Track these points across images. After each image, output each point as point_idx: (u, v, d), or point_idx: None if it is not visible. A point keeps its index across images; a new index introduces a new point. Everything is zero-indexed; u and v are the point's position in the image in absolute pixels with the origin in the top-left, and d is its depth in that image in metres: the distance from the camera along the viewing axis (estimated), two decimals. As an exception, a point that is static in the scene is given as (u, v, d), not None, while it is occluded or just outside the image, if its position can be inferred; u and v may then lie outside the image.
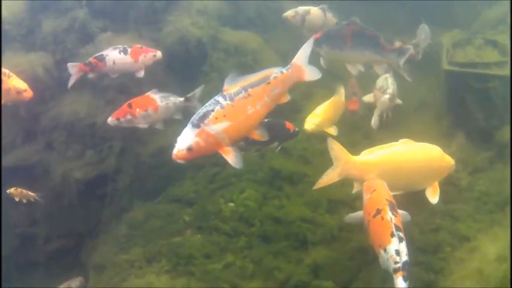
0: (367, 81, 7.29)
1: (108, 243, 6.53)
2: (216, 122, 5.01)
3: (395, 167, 5.80)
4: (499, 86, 6.86)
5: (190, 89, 6.53)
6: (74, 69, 6.39)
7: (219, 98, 5.07)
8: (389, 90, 7.02)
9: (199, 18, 7.50)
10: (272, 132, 5.77)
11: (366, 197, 5.39)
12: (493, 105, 6.93)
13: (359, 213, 5.51)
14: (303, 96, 7.21)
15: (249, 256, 6.06)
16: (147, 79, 6.83)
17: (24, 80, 6.19)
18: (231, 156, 5.09)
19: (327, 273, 5.84)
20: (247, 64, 6.68)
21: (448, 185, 6.24)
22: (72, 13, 7.36)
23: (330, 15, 7.67)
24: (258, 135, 5.36)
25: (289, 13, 7.51)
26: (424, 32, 7.97)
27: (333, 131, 6.63)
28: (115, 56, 6.49)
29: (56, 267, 7.06)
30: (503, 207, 6.23)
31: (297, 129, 6.14)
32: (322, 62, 6.87)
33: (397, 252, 4.76)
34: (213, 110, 5.01)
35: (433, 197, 5.91)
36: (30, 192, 6.76)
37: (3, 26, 7.35)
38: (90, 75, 6.49)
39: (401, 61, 6.88)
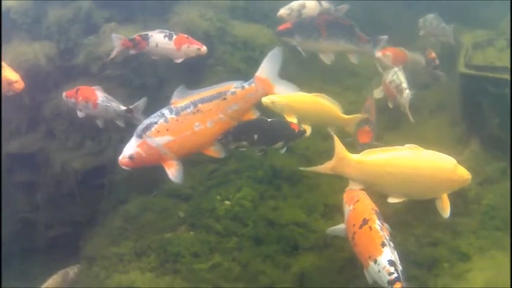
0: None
1: (101, 235, 6.24)
2: (158, 135, 4.79)
3: (394, 171, 5.25)
4: (518, 92, 6.20)
5: (194, 82, 6.21)
6: (118, 41, 6.20)
7: (164, 110, 4.83)
8: (405, 85, 6.50)
9: (208, 10, 7.05)
10: (276, 132, 5.48)
11: (349, 208, 4.93)
12: (510, 112, 6.17)
13: (341, 226, 5.03)
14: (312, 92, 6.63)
15: (237, 258, 5.69)
16: (151, 71, 6.61)
17: (17, 71, 5.97)
18: (172, 170, 4.87)
19: (312, 283, 5.44)
20: (254, 58, 6.25)
21: (454, 195, 5.54)
22: (77, 3, 7.08)
23: (325, 3, 7.06)
24: (213, 152, 5.07)
25: (283, 11, 6.96)
26: (434, 23, 7.40)
27: (293, 119, 5.95)
28: (159, 39, 6.23)
29: (55, 254, 6.82)
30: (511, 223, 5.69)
31: (302, 129, 5.67)
32: (301, 50, 6.59)
33: (391, 263, 4.30)
34: (156, 123, 4.81)
35: (443, 210, 5.34)
36: None
37: (11, 15, 7.13)
38: (132, 52, 6.26)
39: (376, 51, 6.57)
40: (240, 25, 7.33)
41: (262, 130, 5.43)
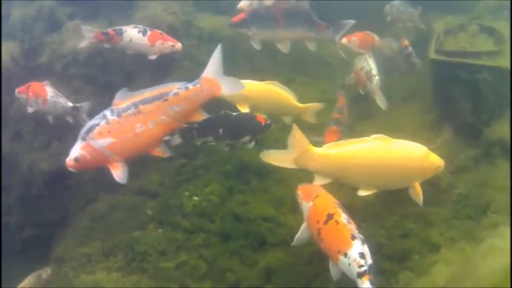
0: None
1: (70, 235, 5.98)
2: (100, 137, 4.60)
3: (361, 163, 4.99)
4: (490, 77, 5.78)
5: (161, 77, 6.00)
6: (89, 33, 6.05)
7: (106, 112, 4.64)
8: (375, 72, 6.27)
9: (172, 3, 6.79)
10: (242, 126, 5.31)
11: (308, 205, 4.66)
12: (482, 98, 5.86)
13: (303, 227, 4.74)
14: (282, 82, 6.16)
15: (204, 255, 5.42)
16: (117, 67, 6.39)
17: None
18: (117, 172, 4.68)
19: (280, 278, 5.15)
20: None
21: (427, 184, 5.28)
22: (40, 1, 6.87)
23: None
24: (159, 152, 4.88)
25: (243, 3, 6.73)
26: (401, 8, 7.12)
27: (246, 109, 5.77)
28: (133, 34, 6.12)
29: (28, 256, 6.63)
30: (483, 213, 5.28)
31: (269, 121, 5.43)
32: (254, 43, 6.35)
33: (362, 255, 4.09)
34: (98, 125, 4.62)
35: (417, 198, 5.13)
36: None
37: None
38: (106, 46, 6.13)
39: (337, 37, 6.38)
40: (205, 17, 7.13)
41: (227, 124, 5.26)
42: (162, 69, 6.29)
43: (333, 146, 5.10)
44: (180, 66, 6.42)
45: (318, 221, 4.49)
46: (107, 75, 6.47)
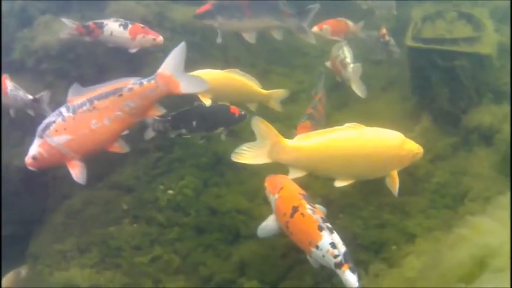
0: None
1: (46, 232, 5.79)
2: (56, 134, 4.51)
3: (335, 153, 4.83)
4: (468, 64, 5.57)
5: (134, 70, 5.81)
6: (70, 24, 5.93)
7: (62, 109, 4.54)
8: (349, 60, 6.06)
9: (146, -5, 6.63)
10: (216, 118, 5.21)
11: (274, 197, 4.50)
12: (460, 85, 5.65)
13: (271, 219, 4.56)
14: (259, 75, 6.10)
15: (178, 249, 5.28)
16: (89, 61, 6.18)
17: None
18: (75, 171, 4.63)
19: (254, 271, 4.99)
20: (195, 43, 5.83)
21: (404, 173, 5.12)
22: (11, -3, 6.73)
23: None
24: (118, 148, 4.81)
25: None
26: None
27: (207, 100, 5.53)
28: (114, 27, 6.02)
29: (8, 253, 6.21)
30: (460, 201, 5.12)
31: (243, 112, 5.29)
32: (219, 38, 6.20)
33: (333, 245, 3.96)
34: (54, 122, 4.53)
35: (393, 188, 4.96)
36: None
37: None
38: (86, 39, 6.03)
39: (304, 24, 6.17)
40: (180, 9, 6.82)
41: (200, 116, 5.17)
42: (135, 62, 6.06)
43: (305, 138, 4.91)
44: (153, 58, 6.07)
45: (284, 214, 4.35)
46: (80, 69, 6.21)
